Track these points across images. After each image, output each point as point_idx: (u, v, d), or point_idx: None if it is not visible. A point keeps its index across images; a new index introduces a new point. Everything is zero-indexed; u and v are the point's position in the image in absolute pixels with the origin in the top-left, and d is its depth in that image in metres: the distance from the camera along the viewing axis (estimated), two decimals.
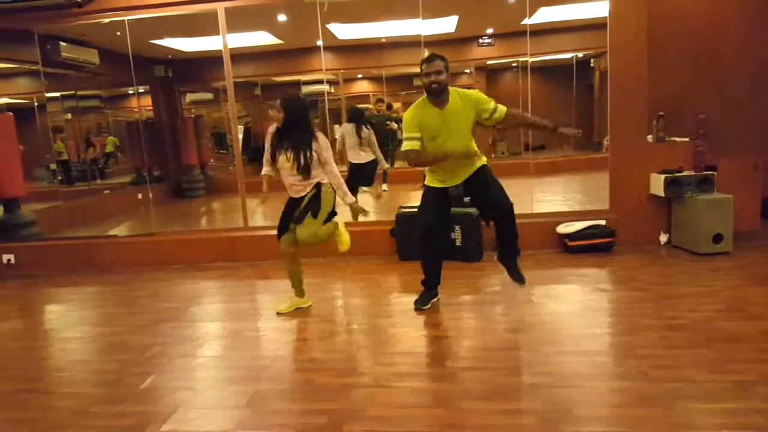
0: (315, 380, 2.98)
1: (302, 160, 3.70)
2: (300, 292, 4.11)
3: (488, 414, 2.53)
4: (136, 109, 10.18)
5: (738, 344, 3.09)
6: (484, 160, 3.78)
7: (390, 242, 5.35)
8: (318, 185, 3.80)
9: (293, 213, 3.85)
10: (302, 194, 3.81)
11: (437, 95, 3.55)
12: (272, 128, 3.85)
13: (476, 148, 3.71)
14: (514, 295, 4.10)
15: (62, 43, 6.99)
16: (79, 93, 9.03)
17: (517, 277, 3.93)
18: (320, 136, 3.79)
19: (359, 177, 6.10)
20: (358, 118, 6.18)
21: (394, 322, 3.77)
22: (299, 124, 3.73)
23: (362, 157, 6.10)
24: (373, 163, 6.17)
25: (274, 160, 3.83)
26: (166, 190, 9.63)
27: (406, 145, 3.63)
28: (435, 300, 4.01)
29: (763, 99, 5.74)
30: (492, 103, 3.65)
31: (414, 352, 3.25)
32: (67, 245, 5.96)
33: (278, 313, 4.00)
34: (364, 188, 6.31)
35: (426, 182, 3.86)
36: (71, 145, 8.92)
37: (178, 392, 2.95)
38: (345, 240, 3.92)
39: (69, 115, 9.03)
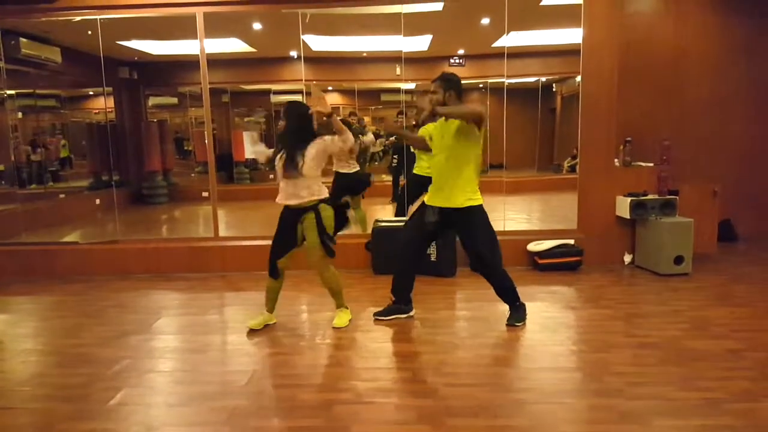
0: (296, 396, 2.91)
1: (294, 161, 3.63)
2: (271, 308, 3.99)
3: (474, 431, 2.54)
4: (96, 111, 9.83)
5: (705, 362, 3.22)
6: (472, 201, 3.69)
7: (365, 256, 5.33)
8: (317, 208, 3.72)
9: (290, 232, 3.77)
10: (295, 203, 3.71)
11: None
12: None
13: (467, 186, 3.68)
14: (489, 311, 4.16)
15: (23, 39, 6.71)
16: (36, 92, 8.67)
17: (518, 318, 3.89)
18: (321, 140, 3.70)
19: (347, 187, 6.02)
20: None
21: (372, 336, 3.75)
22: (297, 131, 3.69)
23: (351, 167, 6.05)
24: (357, 174, 6.13)
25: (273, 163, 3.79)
26: (126, 196, 9.32)
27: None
28: (404, 317, 4.03)
29: (721, 130, 6.10)
30: None
31: (394, 368, 3.25)
32: (22, 251, 5.66)
33: (251, 330, 3.87)
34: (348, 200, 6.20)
35: None
36: (20, 145, 8.51)
37: (151, 408, 2.84)
38: (338, 321, 3.94)
39: (20, 114, 8.62)
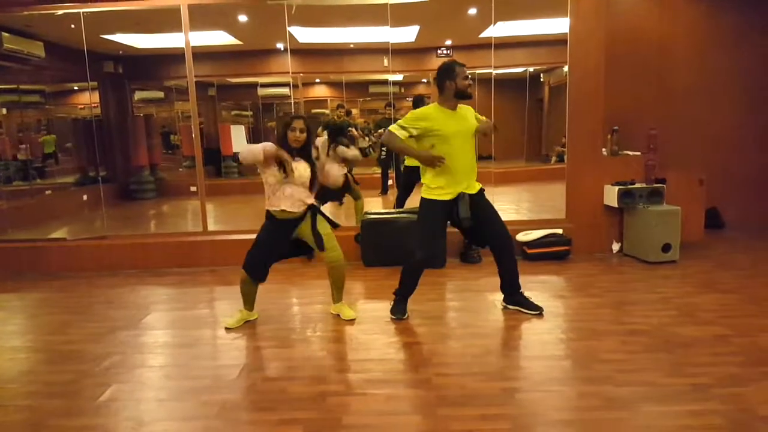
0: (286, 389, 2.91)
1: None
2: (250, 306, 3.93)
3: (465, 420, 2.55)
4: (81, 106, 9.73)
5: (693, 348, 3.25)
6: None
7: (354, 248, 5.33)
8: (314, 209, 3.78)
9: (286, 240, 3.77)
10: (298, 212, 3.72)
11: (469, 98, 3.64)
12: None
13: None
14: (479, 302, 4.19)
15: (5, 34, 6.60)
16: (20, 87, 8.55)
17: (535, 307, 3.88)
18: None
19: (332, 192, 5.84)
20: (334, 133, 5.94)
21: (362, 328, 3.75)
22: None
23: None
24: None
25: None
26: (113, 192, 9.23)
27: (394, 128, 3.57)
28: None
29: (708, 118, 6.14)
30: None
31: (386, 359, 3.25)
32: (8, 248, 5.59)
33: (227, 329, 3.81)
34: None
35: (425, 195, 3.70)
36: (6, 141, 8.42)
37: (141, 404, 2.83)
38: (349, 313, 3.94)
39: (4, 110, 8.52)
